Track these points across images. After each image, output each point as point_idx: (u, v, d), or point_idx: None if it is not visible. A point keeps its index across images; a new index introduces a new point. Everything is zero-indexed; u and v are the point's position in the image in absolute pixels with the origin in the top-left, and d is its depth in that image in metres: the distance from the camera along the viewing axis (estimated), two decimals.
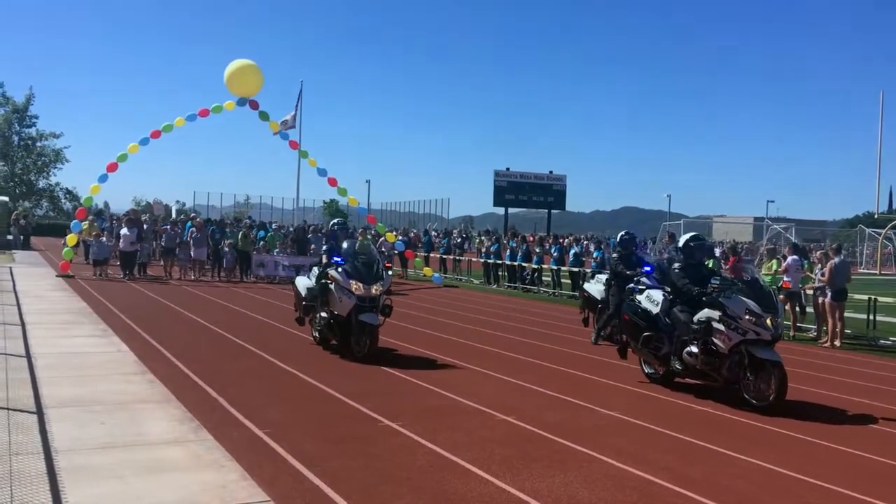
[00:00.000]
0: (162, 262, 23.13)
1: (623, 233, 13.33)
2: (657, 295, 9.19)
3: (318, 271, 10.94)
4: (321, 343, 10.87)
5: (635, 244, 13.62)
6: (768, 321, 7.93)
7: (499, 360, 10.52)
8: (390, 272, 10.83)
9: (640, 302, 9.37)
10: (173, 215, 38.78)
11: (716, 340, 8.14)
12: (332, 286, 10.09)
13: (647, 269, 10.91)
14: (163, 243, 23.13)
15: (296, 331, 12.72)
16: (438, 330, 13.71)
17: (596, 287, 13.17)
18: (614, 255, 12.86)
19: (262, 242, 23.98)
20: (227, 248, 22.37)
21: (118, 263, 21.75)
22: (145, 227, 23.96)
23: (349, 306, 9.83)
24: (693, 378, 8.69)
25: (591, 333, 12.87)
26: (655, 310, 9.06)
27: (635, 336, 9.20)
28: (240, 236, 22.61)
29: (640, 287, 9.81)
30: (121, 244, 21.25)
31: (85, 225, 23.35)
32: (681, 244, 9.30)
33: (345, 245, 10.56)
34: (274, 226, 30.19)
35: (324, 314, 10.38)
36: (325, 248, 11.10)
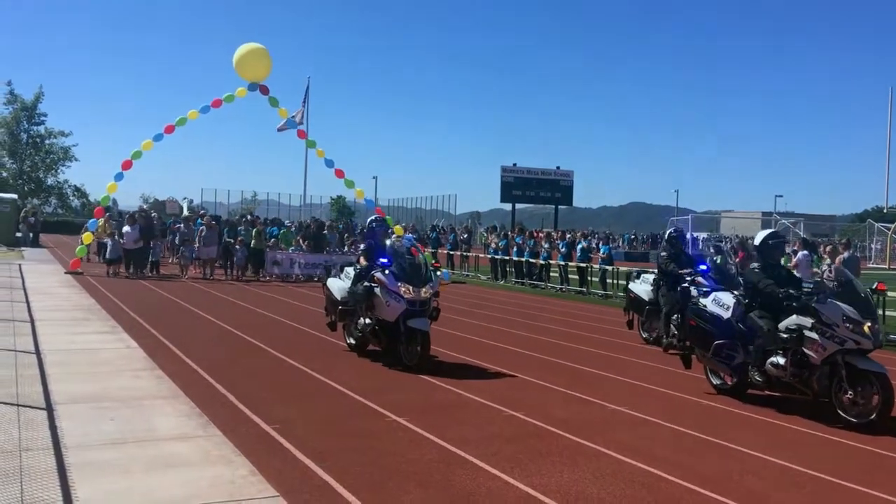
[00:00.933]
0: (175, 261, 22.88)
1: (671, 229, 12.51)
2: (727, 298, 8.39)
3: (353, 272, 10.13)
4: (356, 349, 10.14)
5: (684, 241, 12.96)
6: (866, 328, 7.12)
7: (509, 357, 10.51)
8: (438, 273, 10.11)
9: (705, 306, 8.57)
10: (184, 212, 38.38)
11: (807, 350, 7.28)
12: (377, 289, 9.33)
13: (703, 268, 10.24)
14: (176, 241, 22.81)
15: (304, 327, 12.75)
16: (446, 326, 13.70)
17: (642, 287, 12.34)
18: (663, 253, 12.13)
19: (272, 240, 23.55)
20: (237, 246, 22.02)
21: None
22: (158, 224, 23.62)
23: (398, 311, 9.09)
24: (773, 391, 7.89)
25: (647, 340, 12.08)
26: (726, 314, 8.24)
27: (704, 344, 8.33)
28: (253, 234, 22.24)
29: (703, 289, 9.11)
30: (123, 242, 20.94)
31: (101, 223, 23.10)
32: (758, 242, 8.45)
33: (388, 243, 9.88)
34: (287, 223, 29.55)
35: (367, 320, 9.57)
36: (362, 247, 10.43)
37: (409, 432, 6.43)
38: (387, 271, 9.28)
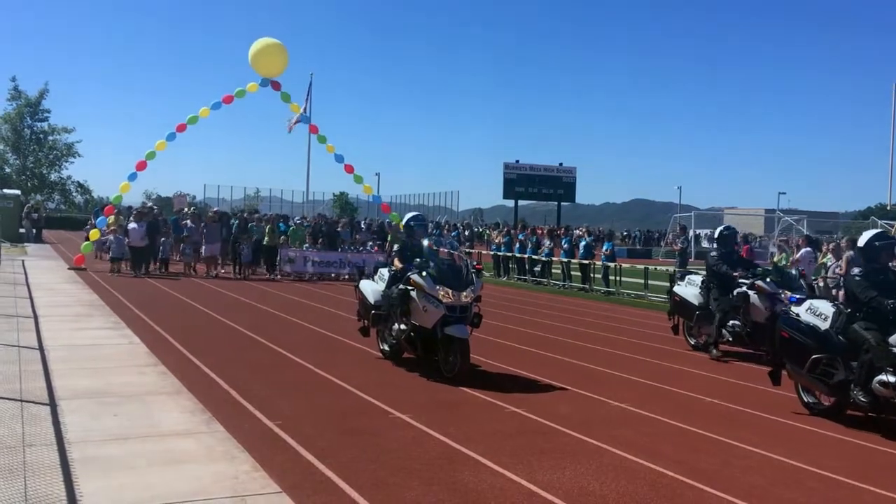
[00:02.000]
0: (180, 259, 22.22)
1: (722, 227, 11.46)
2: (825, 307, 7.58)
3: (388, 274, 9.41)
4: (391, 357, 9.46)
5: (736, 241, 12.23)
6: None
7: (514, 354, 10.51)
8: (481, 275, 9.60)
9: (799, 315, 7.73)
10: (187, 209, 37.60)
11: None
12: (413, 293, 8.56)
13: (795, 296, 8.77)
14: (182, 238, 22.11)
15: (308, 324, 12.76)
16: None
17: (690, 290, 11.37)
18: (713, 253, 11.11)
19: (282, 237, 22.73)
20: (243, 244, 21.30)
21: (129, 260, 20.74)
22: (166, 220, 23.20)
23: (436, 317, 8.32)
24: (878, 413, 6.96)
25: (696, 346, 11.27)
26: (824, 325, 7.39)
27: (798, 358, 7.41)
28: (266, 230, 21.63)
29: (796, 296, 8.31)
30: (129, 239, 20.22)
31: (111, 220, 22.33)
32: (862, 244, 7.54)
33: (425, 243, 9.11)
34: (297, 219, 28.76)
35: (402, 326, 8.81)
36: (396, 247, 9.63)
37: (413, 429, 6.43)
38: (424, 273, 8.51)
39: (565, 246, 23.81)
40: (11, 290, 14.63)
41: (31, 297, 13.88)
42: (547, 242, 24.83)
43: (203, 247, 21.12)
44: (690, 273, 12.23)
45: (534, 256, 24.21)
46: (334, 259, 22.50)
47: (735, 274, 10.51)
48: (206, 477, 4.99)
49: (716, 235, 11.51)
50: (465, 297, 8.47)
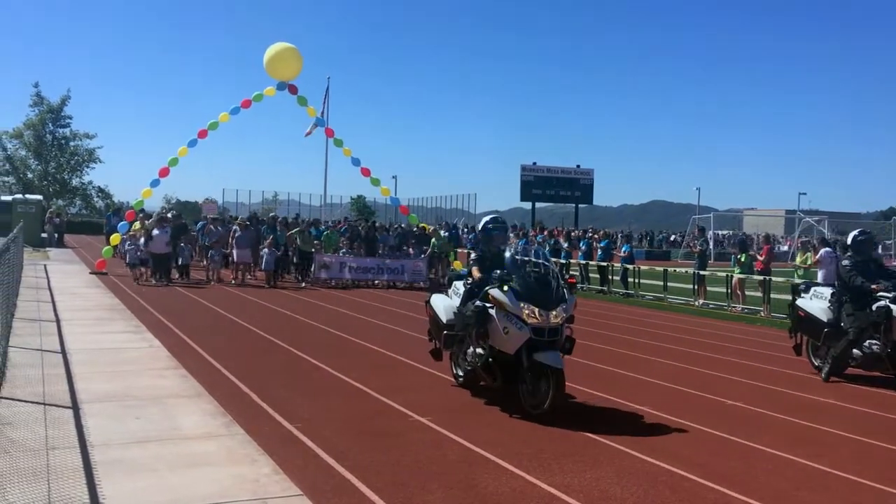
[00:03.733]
0: (204, 264, 21.31)
1: (857, 232, 9.76)
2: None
3: (463, 287, 8.00)
4: (466, 385, 8.11)
5: (874, 247, 11.15)
6: None
7: None
8: (574, 290, 8.26)
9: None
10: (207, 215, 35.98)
11: None
12: (492, 311, 7.17)
13: None
14: (206, 243, 21.34)
15: (325, 326, 12.78)
16: None
17: (817, 304, 9.71)
18: (845, 262, 9.50)
19: (315, 243, 21.70)
20: (267, 249, 20.03)
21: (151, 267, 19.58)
22: (186, 225, 22.37)
23: (520, 341, 6.93)
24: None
25: (820, 368, 9.64)
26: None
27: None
28: (297, 235, 20.76)
29: None
30: (152, 246, 19.13)
31: (137, 225, 21.35)
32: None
33: (508, 253, 7.68)
34: (330, 224, 27.36)
35: (479, 350, 7.35)
36: (473, 256, 8.03)
37: (432, 432, 6.43)
38: (506, 287, 7.10)
39: (583, 248, 23.74)
40: (34, 295, 14.80)
41: (53, 301, 14.03)
42: (564, 244, 24.76)
43: (234, 252, 20.02)
44: (817, 285, 10.65)
45: (552, 258, 24.17)
46: (372, 265, 21.42)
47: (874, 287, 9.00)
48: (227, 479, 5.02)
49: (849, 241, 9.80)
50: (556, 317, 7.02)
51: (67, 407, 6.64)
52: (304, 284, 20.30)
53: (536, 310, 6.97)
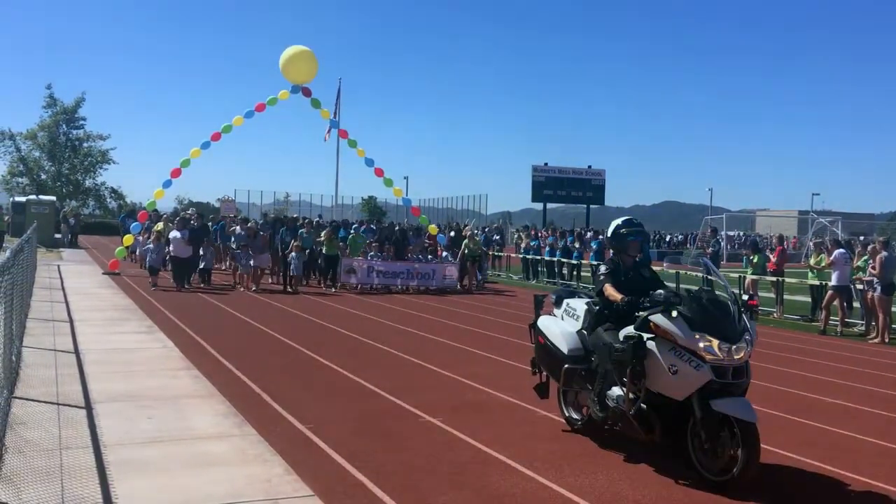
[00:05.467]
0: (227, 269, 20.37)
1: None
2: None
3: (585, 307, 6.43)
4: (584, 431, 6.45)
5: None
6: None
7: None
8: (756, 314, 6.86)
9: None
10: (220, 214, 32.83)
11: None
12: (652, 344, 5.54)
13: None
14: (232, 246, 19.74)
15: (334, 325, 12.79)
16: (477, 325, 13.70)
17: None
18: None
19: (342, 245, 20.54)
20: (294, 253, 18.65)
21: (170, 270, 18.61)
22: (207, 227, 21.06)
23: (695, 383, 5.30)
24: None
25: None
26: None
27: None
28: (324, 237, 19.56)
29: None
30: (172, 249, 18.02)
31: (159, 226, 20.44)
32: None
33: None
34: (355, 225, 25.02)
35: (630, 394, 5.64)
36: (603, 269, 6.30)
37: (443, 433, 6.42)
38: (675, 313, 5.44)
39: (595, 248, 23.66)
40: (48, 295, 14.89)
41: (66, 302, 14.11)
42: (576, 245, 24.69)
43: (253, 257, 18.64)
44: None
45: (563, 259, 24.13)
46: (401, 269, 20.29)
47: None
48: (239, 480, 5.03)
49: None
50: (740, 351, 5.35)
51: (81, 407, 6.68)
52: (332, 290, 19.29)
53: (716, 342, 5.29)
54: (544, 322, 6.76)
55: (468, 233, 22.95)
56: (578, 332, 6.39)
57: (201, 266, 18.79)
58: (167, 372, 8.46)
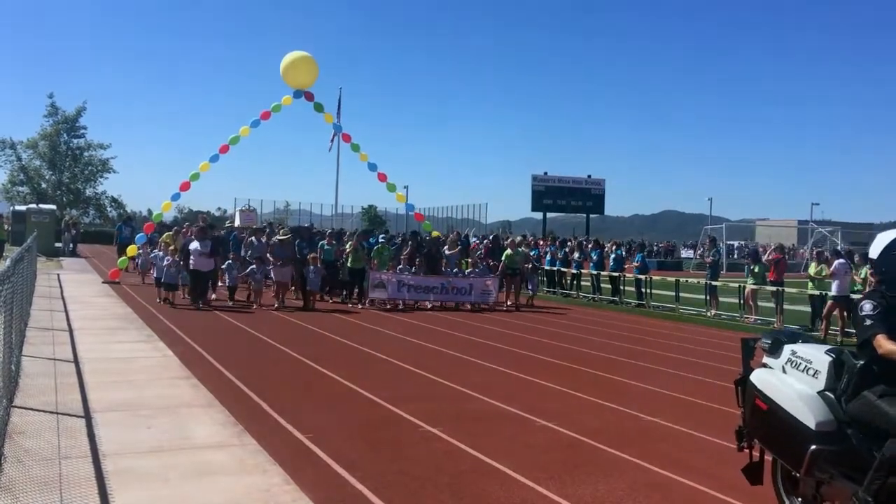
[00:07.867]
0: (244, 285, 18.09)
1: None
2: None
3: (826, 359, 4.44)
4: None
5: None
6: None
7: (545, 368, 10.44)
8: None
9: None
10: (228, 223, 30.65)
11: None
12: None
13: None
14: (247, 258, 18.25)
15: (340, 338, 12.76)
16: (477, 335, 13.68)
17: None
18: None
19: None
20: (312, 266, 17.11)
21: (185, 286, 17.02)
22: (221, 237, 19.33)
23: None
24: None
25: None
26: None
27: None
28: (349, 249, 18.19)
29: None
30: (193, 262, 16.03)
31: (167, 237, 19.58)
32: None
33: None
34: (381, 236, 22.50)
35: None
36: (868, 309, 4.27)
37: (443, 442, 6.40)
38: None
39: (595, 258, 23.68)
40: (47, 304, 14.87)
41: (66, 311, 14.09)
42: (576, 254, 24.70)
43: (272, 271, 17.35)
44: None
45: (563, 269, 24.15)
46: (434, 284, 18.49)
47: None
48: (239, 489, 5.01)
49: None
50: None
51: (80, 416, 6.66)
52: (360, 306, 17.74)
53: None
54: (765, 379, 4.74)
55: (509, 241, 21.55)
56: (821, 393, 4.41)
57: (228, 284, 17.39)
58: (166, 381, 8.44)
